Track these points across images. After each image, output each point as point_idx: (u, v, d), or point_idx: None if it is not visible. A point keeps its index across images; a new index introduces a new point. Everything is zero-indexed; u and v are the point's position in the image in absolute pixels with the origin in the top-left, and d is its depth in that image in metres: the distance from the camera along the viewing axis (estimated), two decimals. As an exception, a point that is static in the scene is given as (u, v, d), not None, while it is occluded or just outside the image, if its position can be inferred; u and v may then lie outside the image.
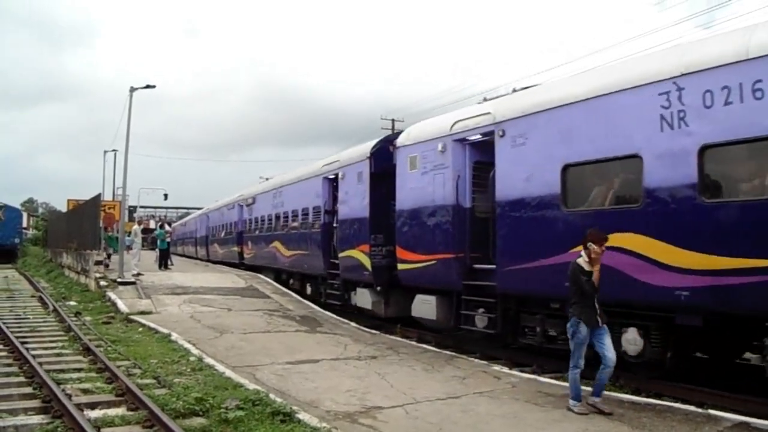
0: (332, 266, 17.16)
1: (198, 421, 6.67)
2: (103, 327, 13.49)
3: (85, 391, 7.92)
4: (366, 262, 14.66)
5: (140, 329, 13.06)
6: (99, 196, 26.58)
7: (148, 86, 22.85)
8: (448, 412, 7.32)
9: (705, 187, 7.54)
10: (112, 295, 17.61)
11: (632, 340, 8.59)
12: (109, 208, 30.72)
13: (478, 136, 11.34)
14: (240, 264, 28.18)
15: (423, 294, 12.69)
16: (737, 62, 7.15)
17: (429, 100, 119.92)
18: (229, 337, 12.18)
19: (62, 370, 9.09)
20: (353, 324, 14.69)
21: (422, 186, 12.43)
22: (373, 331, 13.75)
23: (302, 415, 6.73)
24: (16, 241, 48.01)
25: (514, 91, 11.35)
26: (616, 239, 7.91)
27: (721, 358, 9.58)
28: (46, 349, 10.95)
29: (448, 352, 11.40)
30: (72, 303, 18.05)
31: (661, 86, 7.92)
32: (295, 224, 20.40)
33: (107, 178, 45.64)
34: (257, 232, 25.77)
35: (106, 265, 22.70)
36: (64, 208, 42.02)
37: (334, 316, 15.83)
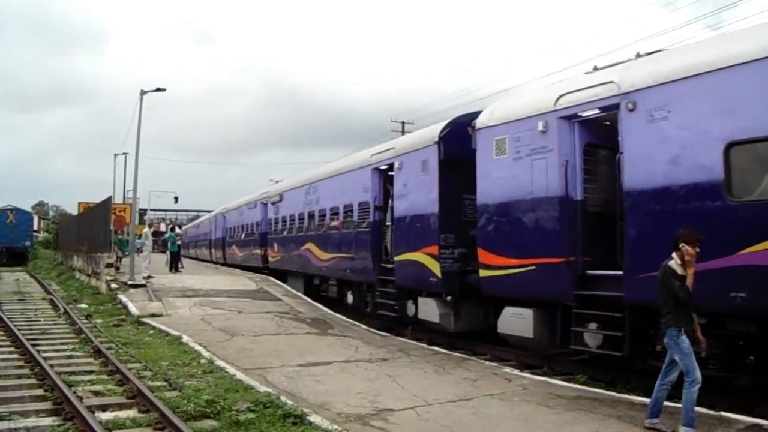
0: (383, 271, 15.12)
1: (209, 424, 6.69)
2: (114, 329, 13.54)
3: (97, 393, 7.95)
4: (433, 266, 12.59)
5: (151, 332, 13.09)
6: (110, 199, 26.73)
7: (158, 89, 22.95)
8: (459, 414, 7.29)
9: None
10: (122, 297, 17.69)
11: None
12: (120, 211, 30.85)
13: (594, 112, 9.35)
14: (263, 268, 26.09)
15: (514, 306, 10.60)
16: None
17: (438, 102, 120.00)
18: (240, 339, 12.19)
19: (73, 373, 9.13)
20: (363, 326, 14.67)
21: (514, 175, 10.40)
22: (384, 334, 13.73)
23: (313, 418, 6.73)
24: (27, 243, 48.34)
25: (638, 56, 9.39)
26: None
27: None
28: (57, 351, 11.00)
29: (458, 354, 11.37)
30: (83, 305, 18.12)
31: None
32: (335, 223, 18.09)
33: (118, 181, 45.83)
34: (285, 232, 23.44)
35: (117, 268, 22.81)
36: (74, 211, 42.36)
37: (345, 318, 15.81)
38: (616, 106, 8.79)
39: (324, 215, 19.16)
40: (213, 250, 40.25)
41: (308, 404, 7.43)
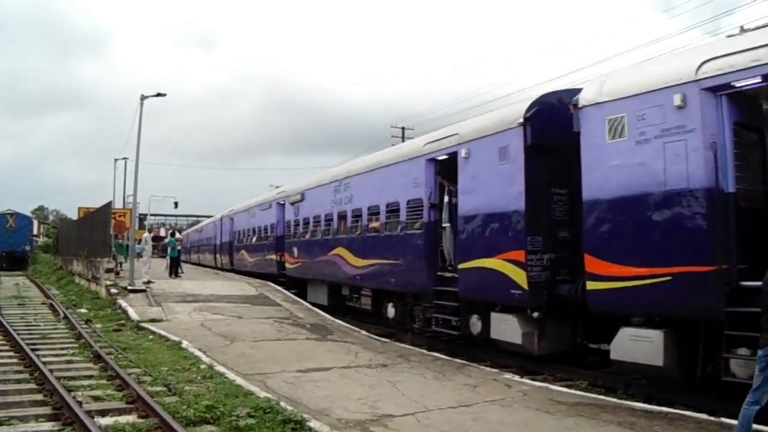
0: (439, 281, 12.98)
1: (209, 429, 6.69)
2: (114, 334, 13.53)
3: (96, 398, 7.93)
4: (517, 275, 10.43)
5: (151, 337, 13.08)
6: (110, 204, 26.78)
7: (158, 94, 23.03)
8: (459, 420, 7.28)
9: None
10: (122, 302, 17.69)
11: None
12: (120, 216, 30.88)
13: (755, 81, 7.38)
14: (279, 275, 24.04)
15: (633, 327, 8.62)
16: None
17: (436, 108, 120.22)
18: (240, 344, 12.17)
19: (73, 377, 9.10)
20: (363, 332, 14.65)
21: (639, 162, 8.42)
22: (384, 339, 13.71)
23: (313, 423, 6.71)
24: (27, 248, 48.36)
25: (743, 30, 8.09)
26: None
27: None
28: (56, 356, 10.98)
29: (459, 360, 11.34)
30: (82, 310, 18.11)
31: None
32: (375, 224, 15.79)
33: (118, 185, 45.83)
34: (308, 236, 20.78)
35: (117, 273, 22.82)
36: (74, 216, 42.27)
37: (344, 324, 15.80)
38: None
39: (359, 216, 16.79)
40: (218, 255, 38.14)
41: (308, 410, 7.41)
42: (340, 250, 17.68)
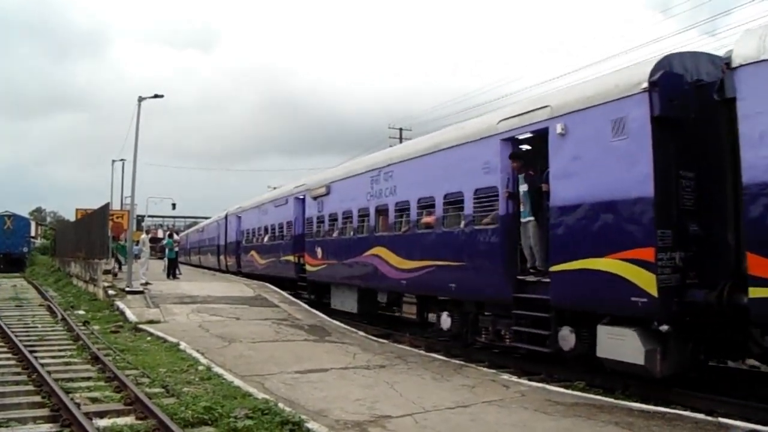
0: (519, 287, 10.73)
1: (207, 430, 6.69)
2: (112, 336, 13.52)
3: (94, 400, 7.92)
4: (641, 279, 8.28)
5: (149, 338, 13.08)
6: (107, 205, 26.78)
7: (156, 96, 23.01)
8: (457, 420, 7.28)
9: None
10: (120, 304, 17.67)
11: None
12: (118, 218, 30.84)
13: None
14: (297, 279, 21.80)
15: None
16: None
17: (438, 107, 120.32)
18: (238, 346, 12.17)
19: (71, 379, 9.09)
20: (361, 333, 14.65)
21: None
22: (382, 340, 13.71)
23: (311, 425, 6.71)
24: (25, 249, 48.42)
25: None
26: None
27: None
28: (54, 357, 10.97)
29: (456, 361, 11.35)
30: (80, 312, 18.09)
31: None
32: (428, 219, 13.42)
33: (115, 187, 45.83)
34: (335, 234, 18.34)
35: (115, 275, 22.80)
36: (72, 217, 42.26)
37: (342, 325, 15.79)
38: None
39: (405, 209, 14.34)
40: (223, 257, 35.50)
41: (306, 411, 7.41)
42: (378, 250, 15.34)
